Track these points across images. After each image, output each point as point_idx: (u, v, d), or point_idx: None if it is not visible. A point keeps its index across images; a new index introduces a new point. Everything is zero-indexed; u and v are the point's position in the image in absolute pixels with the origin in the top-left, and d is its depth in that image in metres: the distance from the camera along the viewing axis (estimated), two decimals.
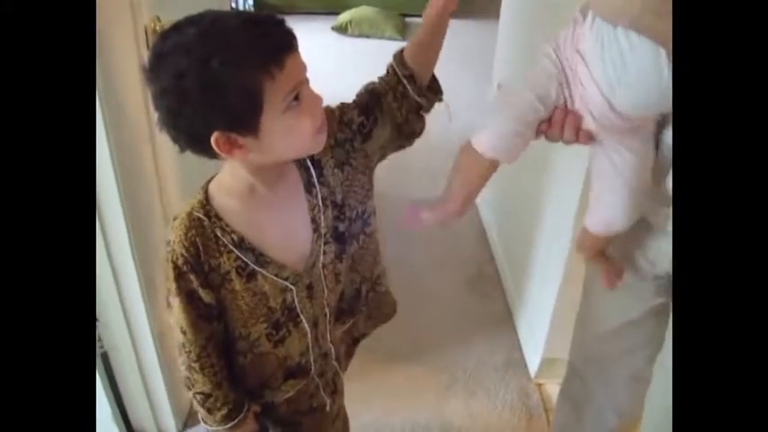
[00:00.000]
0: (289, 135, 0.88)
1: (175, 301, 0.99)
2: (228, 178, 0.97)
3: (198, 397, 1.08)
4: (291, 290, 1.02)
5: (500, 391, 2.04)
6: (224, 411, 1.08)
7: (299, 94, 0.87)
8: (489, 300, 2.44)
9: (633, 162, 0.95)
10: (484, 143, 0.94)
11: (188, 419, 1.86)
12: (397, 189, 2.77)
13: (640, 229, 1.08)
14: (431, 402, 2.00)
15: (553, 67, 0.90)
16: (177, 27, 0.84)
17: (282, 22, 0.86)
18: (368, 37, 5.01)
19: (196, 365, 1.04)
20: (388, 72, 1.03)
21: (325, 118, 0.93)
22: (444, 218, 0.99)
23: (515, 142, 0.93)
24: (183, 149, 0.88)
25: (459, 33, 5.28)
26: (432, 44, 1.03)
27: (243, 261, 0.97)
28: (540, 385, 2.07)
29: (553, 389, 2.04)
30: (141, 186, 1.48)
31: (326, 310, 1.10)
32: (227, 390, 1.08)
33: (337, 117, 1.01)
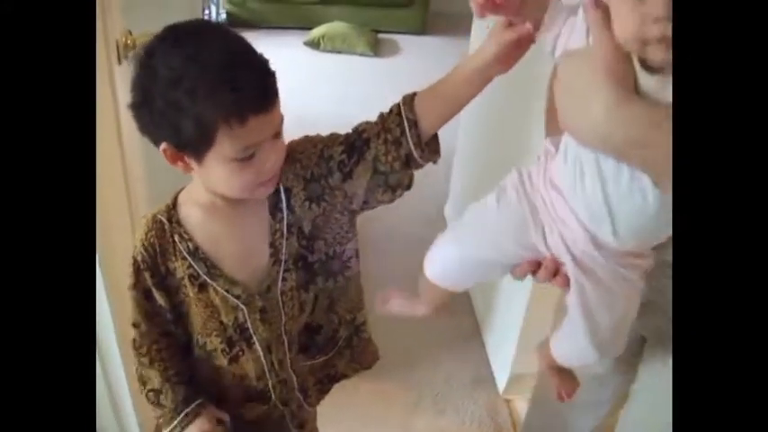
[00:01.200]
0: (228, 180, 0.90)
1: (131, 294, 1.01)
2: (196, 187, 0.98)
3: (150, 395, 1.08)
4: (242, 309, 1.02)
5: (468, 408, 2.05)
6: (172, 405, 1.08)
7: (256, 151, 0.87)
8: (457, 315, 2.45)
9: (620, 305, 0.85)
10: (434, 272, 0.95)
11: None
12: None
13: None
14: (399, 420, 2.00)
15: (520, 205, 0.84)
16: (183, 32, 0.86)
17: (267, 76, 0.86)
18: (340, 52, 5.02)
19: (146, 360, 1.06)
20: (390, 111, 0.94)
21: (276, 175, 0.93)
22: (412, 314, 1.05)
23: (469, 274, 0.94)
24: (142, 133, 0.90)
25: (429, 50, 5.33)
26: (458, 99, 0.91)
27: (195, 270, 0.99)
28: (508, 401, 2.08)
29: (521, 405, 2.05)
30: (105, 181, 1.46)
31: (284, 338, 1.08)
32: (176, 385, 1.08)
33: (318, 151, 0.97)
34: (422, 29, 5.62)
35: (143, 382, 1.09)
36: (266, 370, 1.09)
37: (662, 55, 0.64)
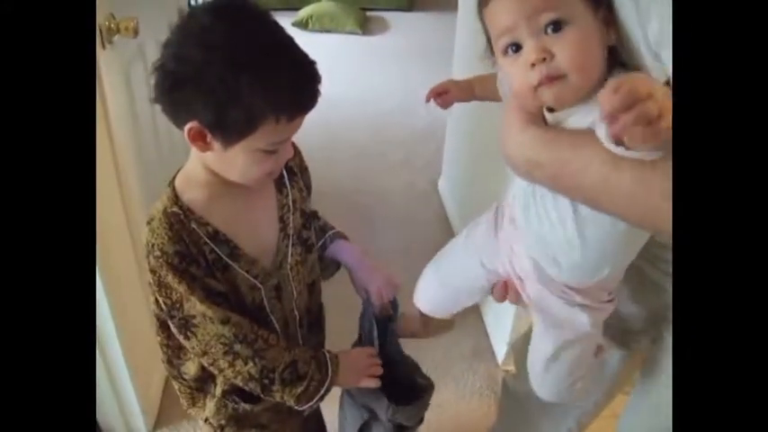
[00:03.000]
0: (246, 168, 0.91)
1: (195, 302, 0.93)
2: (196, 170, 0.96)
3: (286, 375, 1.00)
4: (260, 288, 1.02)
5: (468, 379, 2.07)
6: (312, 366, 1.02)
7: (280, 146, 0.90)
8: None
9: (574, 347, 0.93)
10: (419, 300, 1.13)
11: (157, 421, 1.86)
12: (373, 181, 2.79)
13: None
14: None
15: (487, 233, 0.96)
16: (242, 10, 0.84)
17: (318, 79, 0.87)
18: (329, 32, 4.99)
19: (260, 345, 0.98)
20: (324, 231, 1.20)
21: (280, 169, 0.98)
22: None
23: (450, 299, 1.10)
24: (155, 101, 0.87)
25: (417, 27, 5.30)
26: None
27: (217, 254, 0.96)
28: (507, 371, 2.10)
29: None
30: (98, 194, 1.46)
31: (296, 313, 1.10)
32: (299, 348, 1.04)
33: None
34: (410, 5, 5.58)
35: (270, 370, 0.99)
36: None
37: (551, 96, 0.71)
